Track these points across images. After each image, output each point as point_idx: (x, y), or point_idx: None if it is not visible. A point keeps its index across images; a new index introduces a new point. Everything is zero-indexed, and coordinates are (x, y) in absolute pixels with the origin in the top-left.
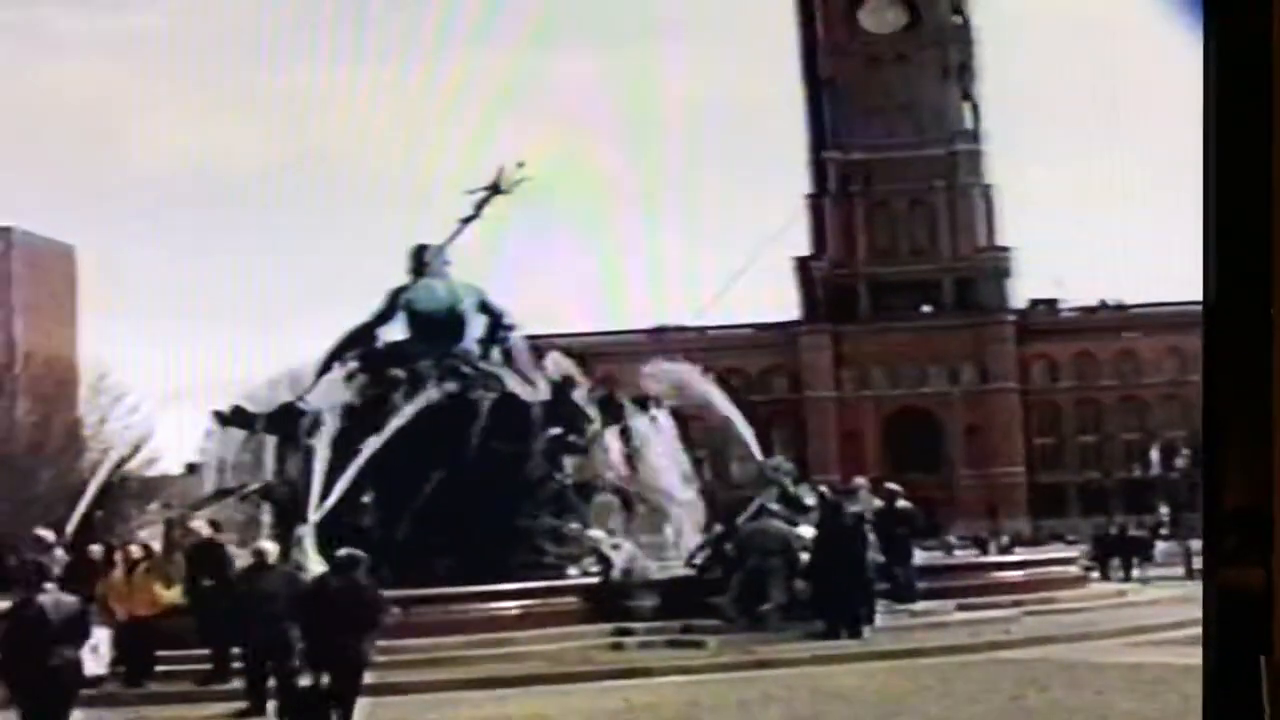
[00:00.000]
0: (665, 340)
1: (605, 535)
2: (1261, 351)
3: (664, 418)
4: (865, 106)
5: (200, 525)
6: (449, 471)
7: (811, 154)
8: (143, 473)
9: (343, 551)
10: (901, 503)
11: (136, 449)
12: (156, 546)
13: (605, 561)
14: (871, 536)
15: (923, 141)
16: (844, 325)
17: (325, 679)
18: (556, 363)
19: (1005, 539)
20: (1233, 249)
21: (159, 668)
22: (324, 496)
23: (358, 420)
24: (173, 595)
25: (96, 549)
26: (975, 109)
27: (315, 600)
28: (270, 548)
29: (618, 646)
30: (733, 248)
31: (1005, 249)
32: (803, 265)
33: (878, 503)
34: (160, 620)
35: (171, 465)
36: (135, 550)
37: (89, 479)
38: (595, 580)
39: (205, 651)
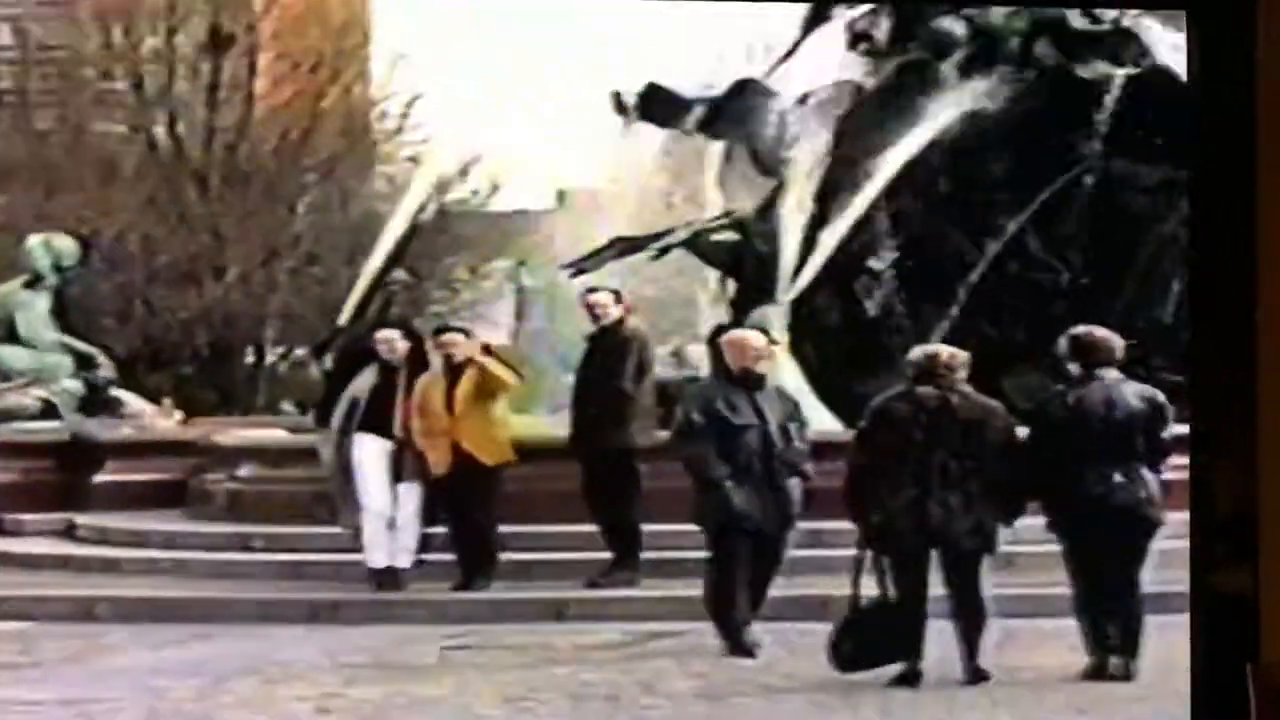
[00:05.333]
0: None
1: None
2: (1247, 349)
3: None
4: None
5: (597, 297)
6: (1021, 236)
7: None
8: (472, 206)
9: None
10: None
11: (464, 171)
12: (497, 340)
13: None
14: None
15: None
16: None
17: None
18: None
19: None
20: (1215, 252)
21: (507, 557)
22: (803, 261)
23: (872, 115)
24: (533, 424)
25: (394, 338)
26: None
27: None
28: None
29: None
30: None
31: None
32: None
33: None
34: (508, 473)
35: (524, 196)
36: (460, 342)
37: (388, 214)
38: None
39: (578, 529)
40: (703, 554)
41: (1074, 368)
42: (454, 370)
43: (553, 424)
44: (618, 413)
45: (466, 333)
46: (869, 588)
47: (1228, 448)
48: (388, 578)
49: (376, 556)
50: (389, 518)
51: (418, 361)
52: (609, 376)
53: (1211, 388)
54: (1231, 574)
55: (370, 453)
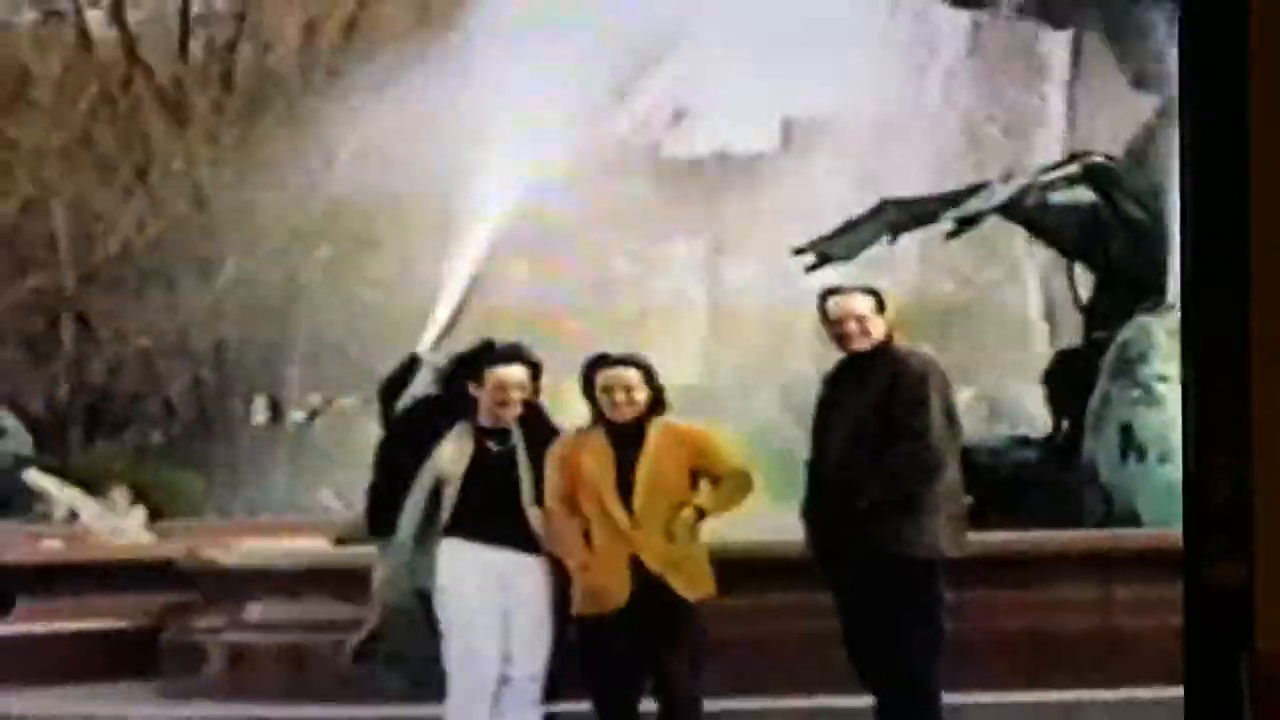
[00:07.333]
0: None
1: None
2: (1240, 341)
3: None
4: None
5: (848, 304)
6: None
7: None
8: (634, 145)
9: None
10: None
11: (679, 115)
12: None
13: None
14: None
15: None
16: None
17: None
18: None
19: None
20: (1209, 242)
21: None
22: None
23: None
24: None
25: (518, 380)
26: None
27: None
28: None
29: None
30: None
31: None
32: None
33: None
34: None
35: (718, 128)
36: (637, 385)
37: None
38: None
39: (828, 703)
40: None
41: None
42: (625, 436)
43: (781, 523)
44: (908, 496)
45: (649, 372)
46: None
47: (1222, 435)
48: None
49: None
50: (498, 681)
51: (536, 421)
52: (886, 434)
53: (1205, 376)
54: (1225, 562)
55: (473, 574)
